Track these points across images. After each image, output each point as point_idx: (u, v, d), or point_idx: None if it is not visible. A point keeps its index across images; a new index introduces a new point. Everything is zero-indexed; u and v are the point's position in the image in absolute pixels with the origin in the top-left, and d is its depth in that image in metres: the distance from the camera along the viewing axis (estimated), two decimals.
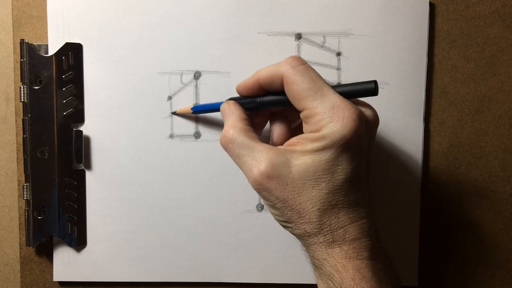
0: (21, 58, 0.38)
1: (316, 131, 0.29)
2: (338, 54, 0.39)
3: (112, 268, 0.40)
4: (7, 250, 0.41)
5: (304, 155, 0.29)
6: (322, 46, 0.39)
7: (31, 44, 0.38)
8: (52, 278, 0.40)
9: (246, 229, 0.40)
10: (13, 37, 0.39)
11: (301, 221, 0.29)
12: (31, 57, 0.38)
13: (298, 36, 0.39)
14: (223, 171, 0.39)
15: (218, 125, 0.39)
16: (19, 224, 0.41)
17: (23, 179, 0.40)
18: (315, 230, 0.29)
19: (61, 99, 0.39)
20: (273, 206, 0.30)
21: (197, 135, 0.39)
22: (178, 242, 0.40)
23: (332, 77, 0.39)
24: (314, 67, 0.38)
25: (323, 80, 0.30)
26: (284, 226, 0.31)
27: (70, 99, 0.39)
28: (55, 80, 0.38)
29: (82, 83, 0.39)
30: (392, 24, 0.38)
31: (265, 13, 0.39)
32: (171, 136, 0.39)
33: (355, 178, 0.29)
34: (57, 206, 0.39)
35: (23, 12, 0.39)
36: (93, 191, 0.40)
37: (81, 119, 0.39)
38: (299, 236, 0.30)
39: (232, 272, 0.40)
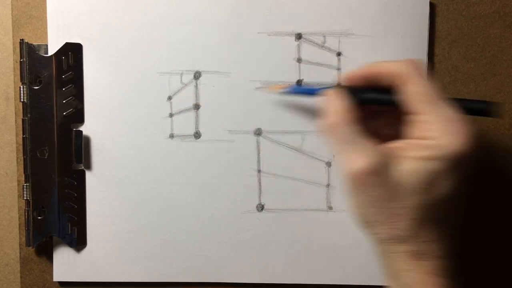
0: (20, 58, 0.38)
1: (427, 138, 0.28)
2: (338, 54, 0.39)
3: (112, 268, 0.40)
4: (7, 250, 0.41)
5: (410, 161, 0.28)
6: (322, 46, 0.39)
7: (31, 44, 0.38)
8: (52, 278, 0.40)
9: (246, 229, 0.40)
10: (13, 37, 0.39)
11: (391, 226, 0.29)
12: (31, 57, 0.38)
13: (298, 36, 0.39)
14: (223, 171, 0.39)
15: (218, 125, 0.39)
16: (19, 224, 0.41)
17: (23, 179, 0.40)
18: (404, 238, 0.28)
19: (61, 99, 0.39)
20: (364, 204, 0.29)
21: (197, 135, 0.39)
22: (178, 242, 0.40)
23: (332, 77, 0.39)
24: (314, 67, 0.39)
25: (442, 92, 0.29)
26: (368, 227, 0.30)
27: (70, 99, 0.39)
28: (55, 80, 0.38)
29: (82, 83, 0.39)
30: (392, 24, 0.38)
31: (265, 13, 0.38)
32: (171, 136, 0.39)
33: (455, 196, 0.28)
34: (57, 206, 0.39)
35: (23, 12, 0.39)
36: (93, 191, 0.40)
37: (81, 119, 0.39)
38: (383, 241, 0.29)
39: (232, 272, 0.40)
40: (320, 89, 0.34)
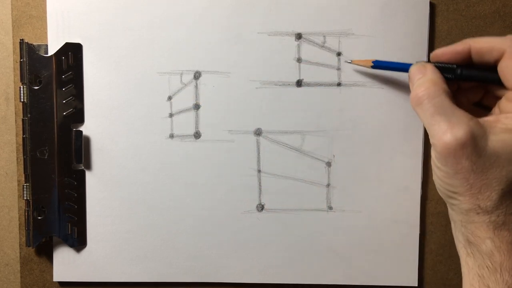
0: (20, 58, 0.38)
1: None
2: (338, 54, 0.39)
3: (112, 268, 0.40)
4: (7, 250, 0.41)
5: (505, 132, 0.29)
6: (322, 46, 0.39)
7: (31, 44, 0.38)
8: (52, 278, 0.40)
9: (246, 229, 0.40)
10: (13, 37, 0.39)
11: (478, 197, 0.29)
12: (31, 57, 0.38)
13: (298, 36, 0.39)
14: (223, 171, 0.39)
15: (218, 125, 0.39)
16: (19, 224, 0.41)
17: (23, 179, 0.40)
18: (489, 209, 0.29)
19: (61, 99, 0.39)
20: (452, 175, 0.30)
21: (197, 135, 0.39)
22: (178, 242, 0.40)
23: (332, 77, 0.39)
24: (314, 67, 0.39)
25: None
26: (450, 197, 0.31)
27: (70, 99, 0.39)
28: (55, 80, 0.38)
29: (82, 83, 0.39)
30: (392, 24, 0.38)
31: (265, 13, 0.38)
32: (171, 136, 0.39)
33: None
34: (57, 206, 0.39)
35: (23, 12, 0.39)
36: (93, 191, 0.40)
37: (81, 119, 0.39)
38: (466, 211, 0.30)
39: (232, 272, 0.40)
40: (409, 65, 0.35)
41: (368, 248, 0.39)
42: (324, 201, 0.39)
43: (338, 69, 0.39)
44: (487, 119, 0.31)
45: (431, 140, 0.31)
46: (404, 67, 0.35)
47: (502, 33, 0.39)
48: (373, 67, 0.37)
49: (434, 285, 0.41)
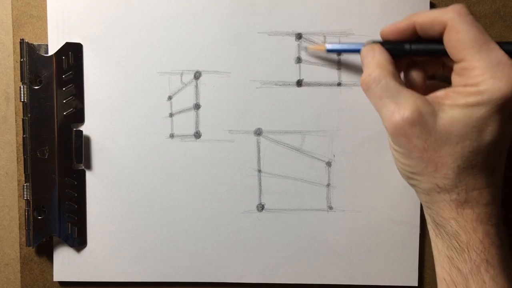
0: (21, 58, 0.38)
1: (473, 85, 0.28)
2: (339, 54, 0.39)
3: (112, 268, 0.40)
4: (7, 250, 0.41)
5: (453, 108, 0.28)
6: None
7: (31, 44, 0.38)
8: (52, 278, 0.40)
9: (246, 229, 0.40)
10: (13, 36, 0.39)
11: (435, 175, 0.29)
12: (31, 57, 0.38)
13: (299, 36, 0.39)
14: (223, 171, 0.39)
15: (218, 125, 0.39)
16: (19, 224, 0.41)
17: (23, 179, 0.40)
18: (448, 187, 0.29)
19: (61, 99, 0.39)
20: (406, 155, 0.30)
21: (197, 135, 0.39)
22: (178, 242, 0.40)
23: (332, 77, 0.39)
24: (314, 67, 0.39)
25: (489, 35, 0.29)
26: (410, 178, 0.31)
27: (70, 99, 0.39)
28: (55, 80, 0.38)
29: (82, 83, 0.39)
30: None
31: (265, 13, 0.39)
32: (171, 136, 0.39)
33: (500, 142, 0.28)
34: (57, 206, 0.39)
35: (23, 11, 0.39)
36: (93, 191, 0.40)
37: (81, 119, 0.39)
38: (426, 191, 0.30)
39: (232, 272, 0.40)
40: (362, 45, 0.34)
41: (368, 248, 0.39)
42: (324, 201, 0.39)
43: (338, 69, 0.39)
44: (436, 95, 0.30)
45: (383, 123, 0.31)
46: (356, 49, 0.35)
47: (502, 33, 0.39)
48: (328, 50, 0.37)
49: (434, 285, 0.41)
